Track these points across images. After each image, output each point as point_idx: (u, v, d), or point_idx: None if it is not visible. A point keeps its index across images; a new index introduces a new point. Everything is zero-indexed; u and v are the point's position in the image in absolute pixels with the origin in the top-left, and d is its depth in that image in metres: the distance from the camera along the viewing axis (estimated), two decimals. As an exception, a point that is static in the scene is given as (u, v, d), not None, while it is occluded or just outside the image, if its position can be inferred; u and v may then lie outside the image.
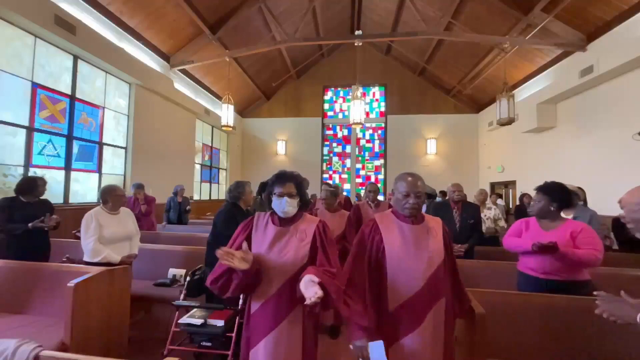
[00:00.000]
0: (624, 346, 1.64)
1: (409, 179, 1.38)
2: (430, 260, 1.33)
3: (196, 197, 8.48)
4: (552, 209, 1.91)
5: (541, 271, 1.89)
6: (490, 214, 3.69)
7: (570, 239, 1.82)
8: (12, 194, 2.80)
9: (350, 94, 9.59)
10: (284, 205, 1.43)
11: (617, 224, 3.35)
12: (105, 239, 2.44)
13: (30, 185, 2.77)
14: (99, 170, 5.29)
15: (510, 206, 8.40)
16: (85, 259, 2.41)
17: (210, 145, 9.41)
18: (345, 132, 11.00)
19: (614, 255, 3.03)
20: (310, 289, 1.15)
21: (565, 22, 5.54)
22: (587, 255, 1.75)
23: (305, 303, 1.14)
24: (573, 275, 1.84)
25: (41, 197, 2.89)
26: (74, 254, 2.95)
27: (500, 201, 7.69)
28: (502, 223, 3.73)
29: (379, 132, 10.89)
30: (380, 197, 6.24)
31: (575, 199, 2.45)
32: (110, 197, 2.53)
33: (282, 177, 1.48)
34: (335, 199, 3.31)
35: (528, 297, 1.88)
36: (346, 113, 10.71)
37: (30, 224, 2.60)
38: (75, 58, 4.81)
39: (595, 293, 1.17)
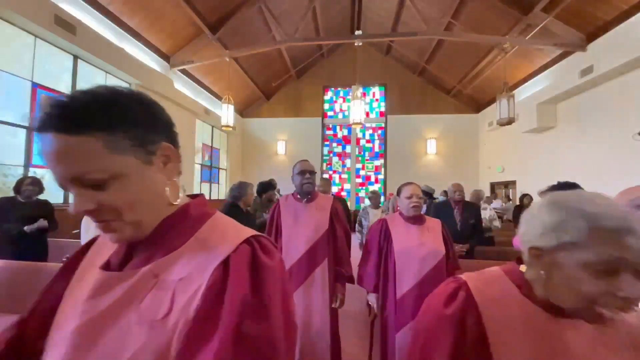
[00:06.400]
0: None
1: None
2: None
3: (196, 197, 8.46)
4: None
5: None
6: (485, 214, 3.72)
7: None
8: (13, 194, 2.83)
9: (350, 94, 9.57)
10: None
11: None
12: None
13: (17, 185, 2.80)
14: (99, 170, 5.28)
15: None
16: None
17: (210, 145, 9.39)
18: (345, 132, 10.99)
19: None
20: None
21: (565, 22, 5.54)
22: None
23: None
24: None
25: (40, 198, 2.88)
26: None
27: (497, 202, 7.69)
28: (496, 223, 3.84)
29: (379, 132, 10.88)
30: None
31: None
32: None
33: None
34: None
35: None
36: (346, 113, 10.69)
37: (26, 227, 2.63)
38: (75, 58, 4.81)
39: None
